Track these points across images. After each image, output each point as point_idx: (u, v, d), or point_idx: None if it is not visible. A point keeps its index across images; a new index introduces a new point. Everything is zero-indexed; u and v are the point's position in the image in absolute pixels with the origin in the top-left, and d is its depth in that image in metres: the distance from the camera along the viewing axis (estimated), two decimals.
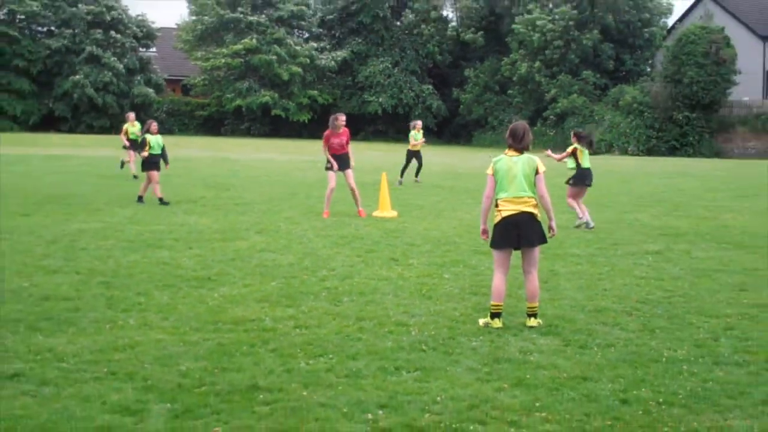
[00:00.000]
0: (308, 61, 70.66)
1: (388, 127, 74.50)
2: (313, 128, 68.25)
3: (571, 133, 18.26)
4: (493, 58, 72.31)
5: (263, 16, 71.09)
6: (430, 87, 74.82)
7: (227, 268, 11.92)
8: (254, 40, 68.77)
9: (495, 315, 8.87)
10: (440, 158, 40.74)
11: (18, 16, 67.73)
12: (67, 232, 14.98)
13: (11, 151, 37.04)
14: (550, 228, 9.13)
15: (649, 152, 60.56)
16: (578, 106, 64.78)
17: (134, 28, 71.27)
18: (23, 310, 9.16)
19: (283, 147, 53.48)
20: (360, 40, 74.77)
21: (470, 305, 9.85)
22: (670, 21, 75.21)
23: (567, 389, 6.85)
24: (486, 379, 7.13)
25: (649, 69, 71.22)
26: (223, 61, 69.01)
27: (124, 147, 27.66)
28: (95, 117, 67.78)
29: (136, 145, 24.08)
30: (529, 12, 67.43)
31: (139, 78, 69.78)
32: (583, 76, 66.38)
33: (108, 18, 68.30)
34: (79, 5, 67.76)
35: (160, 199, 19.60)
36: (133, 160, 26.19)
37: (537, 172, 8.88)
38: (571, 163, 17.38)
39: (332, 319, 9.04)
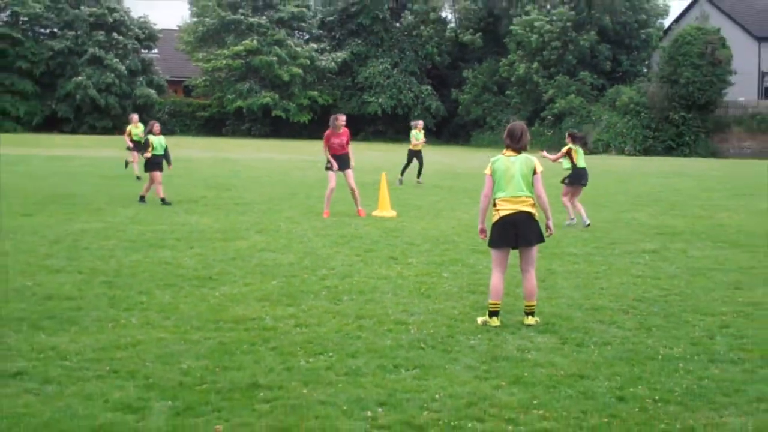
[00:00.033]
0: (308, 62, 70.66)
1: (387, 127, 74.51)
2: (314, 129, 68.21)
3: (566, 134, 18.30)
4: (492, 59, 72.33)
5: (264, 17, 71.07)
6: (429, 88, 74.83)
7: (228, 268, 11.92)
8: (255, 42, 68.77)
9: (493, 313, 8.87)
10: (439, 158, 40.71)
11: (21, 18, 67.76)
12: (70, 232, 14.99)
13: (15, 152, 37.04)
14: (548, 227, 9.13)
15: (646, 152, 60.56)
16: (576, 107, 64.78)
17: (136, 30, 71.24)
18: (26, 309, 9.16)
19: (284, 147, 53.48)
20: (360, 42, 74.78)
21: (468, 304, 9.86)
22: (667, 22, 75.22)
23: (564, 387, 6.86)
24: (484, 376, 7.13)
25: (645, 70, 71.26)
26: (224, 62, 69.01)
27: (128, 148, 27.65)
28: (98, 118, 67.75)
29: (140, 146, 24.08)
30: (527, 13, 67.45)
31: (141, 79, 69.76)
32: (580, 76, 66.38)
33: (110, 20, 68.27)
34: (82, 7, 67.74)
35: (162, 200, 19.60)
36: (137, 161, 26.17)
37: (534, 172, 8.88)
38: (566, 163, 17.42)
39: (332, 318, 9.04)
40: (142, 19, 73.27)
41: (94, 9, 67.66)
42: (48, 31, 70.02)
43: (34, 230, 15.08)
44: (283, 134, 71.00)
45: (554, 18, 66.00)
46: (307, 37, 77.09)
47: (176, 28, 77.45)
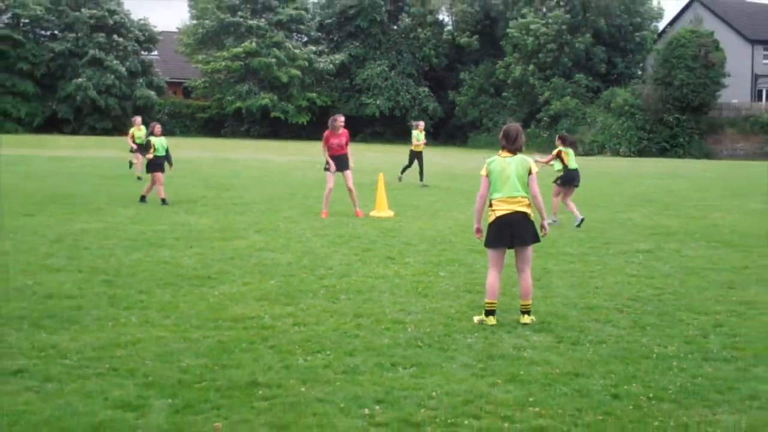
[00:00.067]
0: (307, 64, 70.74)
1: (385, 128, 74.62)
2: (312, 130, 68.29)
3: (556, 137, 18.36)
4: (488, 62, 72.44)
5: (263, 20, 71.13)
6: (427, 89, 74.94)
7: (227, 267, 11.91)
8: (254, 44, 68.82)
9: (489, 312, 8.87)
10: (436, 159, 40.70)
11: (22, 20, 67.72)
12: (71, 232, 14.97)
13: (16, 153, 37.02)
14: (542, 227, 9.13)
15: (641, 153, 60.63)
16: (571, 109, 64.87)
17: (136, 32, 71.25)
18: (27, 308, 9.15)
19: (282, 148, 53.47)
20: (357, 44, 74.86)
21: (465, 303, 9.85)
22: (661, 25, 75.44)
23: (560, 385, 6.86)
24: (480, 374, 7.13)
25: (640, 72, 71.37)
26: (223, 64, 69.06)
27: (132, 150, 27.60)
28: (98, 119, 67.77)
29: (142, 148, 24.08)
30: (523, 16, 67.54)
31: (141, 81, 69.77)
32: (575, 78, 66.47)
33: (110, 22, 68.27)
34: (83, 9, 67.75)
35: (162, 200, 19.58)
36: (140, 162, 26.13)
37: (530, 173, 8.89)
38: (558, 165, 17.48)
39: (330, 317, 9.04)
40: (142, 22, 73.30)
41: (95, 11, 67.68)
42: (49, 33, 70.02)
43: (34, 230, 15.06)
44: (281, 135, 71.05)
45: (550, 21, 66.10)
46: (305, 39, 77.18)
47: (176, 30, 77.50)
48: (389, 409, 6.27)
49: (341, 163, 18.08)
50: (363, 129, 72.00)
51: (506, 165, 8.85)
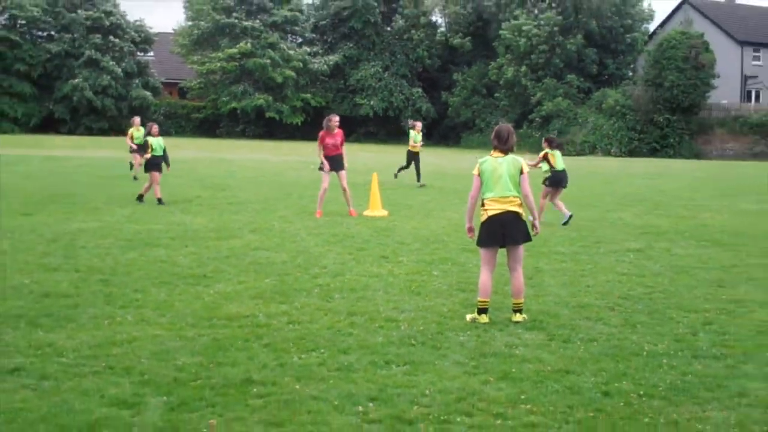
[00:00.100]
0: (301, 65, 70.75)
1: (379, 129, 74.70)
2: (307, 130, 68.39)
3: (543, 139, 18.40)
4: (481, 63, 72.52)
5: (257, 21, 71.14)
6: (420, 90, 75.01)
7: (222, 266, 11.90)
8: (249, 45, 68.82)
9: (482, 310, 8.88)
10: (430, 159, 40.68)
11: (19, 22, 67.72)
12: (67, 231, 14.95)
13: (13, 153, 36.97)
14: (534, 226, 9.14)
15: (631, 153, 60.76)
16: (563, 109, 64.96)
17: (132, 33, 71.25)
18: (24, 307, 9.13)
19: (277, 148, 53.45)
20: (351, 45, 74.91)
21: (458, 301, 9.86)
22: (652, 27, 75.67)
23: (551, 382, 6.86)
24: (473, 372, 7.13)
25: (631, 73, 71.53)
26: (218, 64, 69.05)
27: (131, 151, 27.52)
28: (94, 119, 67.79)
29: (141, 148, 24.05)
30: (516, 18, 67.62)
31: (137, 81, 69.79)
32: (567, 79, 66.56)
33: (107, 23, 68.26)
34: (79, 11, 67.71)
35: (159, 200, 19.56)
36: (138, 162, 26.06)
37: (521, 172, 8.89)
38: (545, 166, 17.54)
39: (324, 315, 9.03)
40: (138, 23, 73.32)
41: (91, 12, 67.67)
42: (45, 34, 70.09)
43: (32, 229, 15.04)
44: (276, 135, 71.06)
45: (542, 22, 66.18)
46: (300, 40, 77.25)
47: (171, 32, 77.49)
48: (383, 406, 6.27)
49: (336, 163, 18.04)
50: (357, 129, 72.03)
51: (498, 165, 8.85)
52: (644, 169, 41.26)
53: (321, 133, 18.07)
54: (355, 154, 40.49)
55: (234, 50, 68.58)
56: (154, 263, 12.02)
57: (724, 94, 65.10)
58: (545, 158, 17.51)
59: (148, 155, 19.96)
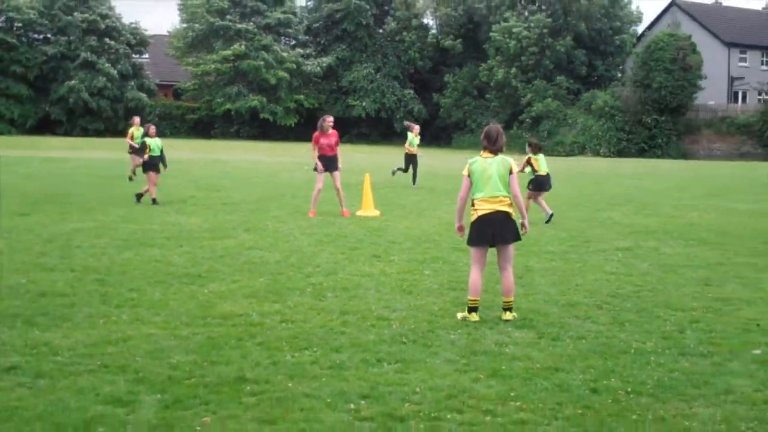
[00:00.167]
0: (295, 66, 70.70)
1: (371, 130, 74.73)
2: (300, 131, 68.37)
3: (526, 144, 18.43)
4: (472, 64, 72.58)
5: (251, 23, 71.09)
6: (412, 92, 75.05)
7: (216, 265, 11.89)
8: (243, 47, 68.76)
9: (472, 309, 8.88)
10: (421, 160, 40.68)
11: (16, 24, 67.60)
12: (63, 231, 14.91)
13: (10, 153, 36.87)
14: (523, 225, 9.14)
15: (620, 154, 60.88)
16: (552, 110, 65.05)
17: (127, 35, 71.16)
18: (20, 306, 9.11)
19: (271, 149, 53.40)
20: (344, 47, 74.89)
21: (449, 300, 9.86)
22: (640, 29, 75.80)
23: (540, 379, 6.87)
24: (463, 370, 7.13)
25: (619, 74, 71.68)
26: (212, 66, 68.97)
27: (130, 151, 27.41)
28: (90, 120, 67.69)
29: (139, 149, 23.99)
30: (506, 20, 67.69)
31: (132, 83, 69.67)
32: (557, 81, 66.66)
33: (102, 26, 68.15)
34: (75, 13, 67.58)
35: (153, 200, 19.53)
36: (136, 164, 25.95)
37: (511, 173, 8.89)
38: (529, 171, 17.63)
39: (317, 314, 9.03)
40: (133, 25, 73.20)
41: (87, 15, 67.52)
42: (42, 36, 69.97)
43: (28, 229, 15.00)
44: (270, 136, 71.00)
45: (532, 24, 66.25)
46: (293, 42, 77.20)
47: (166, 34, 77.44)
48: (374, 403, 6.27)
49: (331, 163, 18.00)
50: (349, 130, 72.01)
51: (488, 165, 8.85)
52: (633, 169, 41.31)
53: (315, 134, 18.03)
54: (347, 154, 40.45)
55: (228, 52, 68.51)
56: (149, 263, 12.00)
57: (711, 95, 65.28)
58: (529, 163, 17.60)
59: (146, 156, 19.93)
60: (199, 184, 25.52)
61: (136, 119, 28.40)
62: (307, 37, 76.90)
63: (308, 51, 74.34)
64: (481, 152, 9.01)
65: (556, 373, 7.05)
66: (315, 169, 18.02)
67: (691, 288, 10.80)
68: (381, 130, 75.03)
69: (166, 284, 10.51)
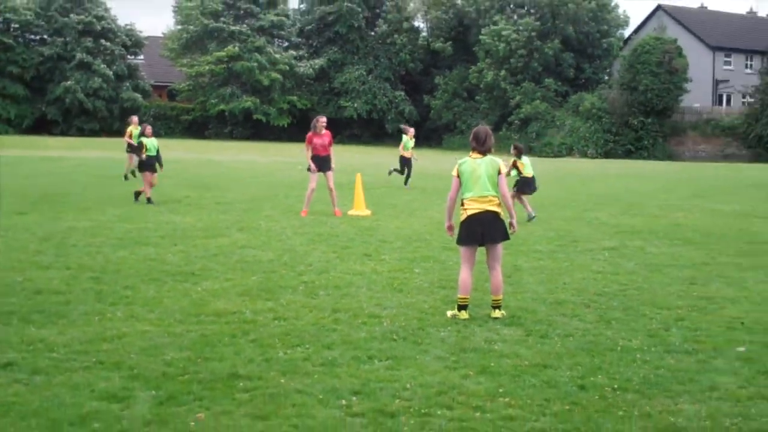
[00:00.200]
0: (288, 68, 70.67)
1: (363, 131, 74.76)
2: (293, 132, 68.30)
3: (511, 146, 18.44)
4: (462, 67, 72.65)
5: (245, 25, 71.02)
6: (403, 93, 75.09)
7: (210, 264, 11.87)
8: (236, 48, 68.69)
9: (462, 307, 8.89)
10: (416, 162, 40.70)
11: (12, 25, 67.47)
12: (59, 230, 14.88)
13: (6, 153, 36.73)
14: (511, 225, 9.15)
15: (607, 155, 61.00)
16: (541, 112, 65.17)
17: (123, 37, 71.05)
18: (16, 303, 9.09)
19: (264, 150, 53.36)
20: (336, 49, 74.88)
21: (439, 298, 9.86)
22: (627, 32, 75.94)
23: (528, 376, 6.87)
24: (453, 367, 7.14)
25: (606, 77, 71.87)
26: (206, 67, 68.88)
27: (129, 150, 27.32)
28: (85, 121, 67.58)
29: (136, 148, 23.93)
30: (495, 23, 67.79)
31: (127, 84, 69.56)
32: (545, 83, 66.78)
33: (98, 27, 68.04)
34: (71, 15, 67.45)
35: (148, 199, 19.49)
36: (133, 162, 25.87)
37: (499, 173, 8.90)
38: (514, 173, 17.67)
39: (309, 312, 9.02)
40: (128, 27, 73.12)
41: (83, 17, 67.39)
42: (38, 37, 69.87)
43: (25, 228, 14.96)
44: (263, 137, 70.93)
45: (520, 28, 66.37)
46: (286, 44, 77.13)
47: (161, 35, 77.30)
48: (365, 399, 6.27)
49: (324, 163, 17.95)
50: (341, 131, 71.98)
51: (477, 166, 8.86)
52: (619, 170, 41.38)
53: (309, 134, 17.98)
54: (339, 155, 40.28)
55: (222, 53, 68.43)
56: (143, 261, 11.98)
57: (696, 97, 65.46)
58: (515, 166, 17.65)
59: (144, 155, 19.89)
60: (193, 183, 25.48)
61: (135, 118, 28.37)
62: (299, 39, 76.85)
63: (301, 53, 74.31)
64: (470, 153, 9.01)
65: (544, 370, 7.05)
66: (308, 169, 17.99)
67: (676, 287, 10.82)
68: (372, 131, 75.06)
69: (160, 282, 10.49)
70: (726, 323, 8.82)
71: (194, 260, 12.13)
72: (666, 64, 60.07)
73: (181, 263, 11.86)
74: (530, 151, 58.87)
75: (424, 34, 78.28)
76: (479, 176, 8.81)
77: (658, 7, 75.77)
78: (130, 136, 27.12)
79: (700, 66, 66.80)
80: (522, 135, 63.81)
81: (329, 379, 6.72)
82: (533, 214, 17.48)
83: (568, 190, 26.68)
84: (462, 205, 8.96)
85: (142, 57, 76.24)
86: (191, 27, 71.02)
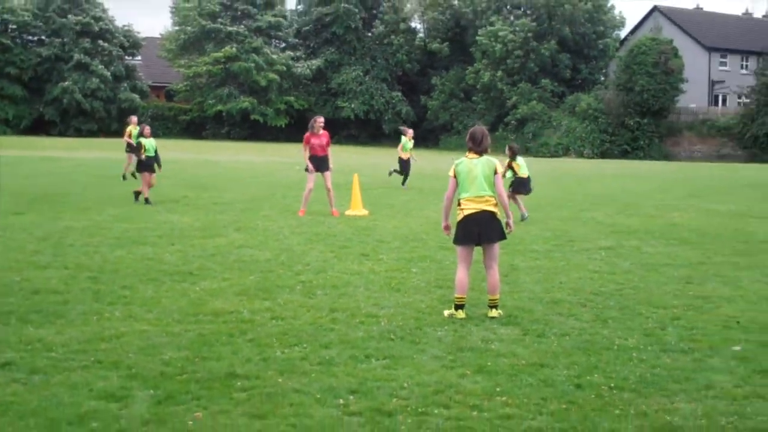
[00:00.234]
0: (285, 68, 70.64)
1: (360, 131, 74.74)
2: (290, 132, 68.31)
3: (506, 147, 18.43)
4: (458, 67, 72.66)
5: (242, 26, 71.00)
6: (400, 94, 75.07)
7: (207, 264, 11.87)
8: (234, 49, 68.68)
9: (458, 306, 8.89)
10: (416, 163, 40.68)
11: (10, 26, 67.42)
12: (57, 230, 14.86)
13: (4, 153, 36.70)
14: (507, 225, 9.15)
15: (603, 155, 61.01)
16: (537, 112, 65.18)
17: (121, 38, 71.04)
18: (15, 303, 9.08)
19: (262, 150, 53.34)
20: (333, 50, 74.87)
21: (436, 297, 9.86)
22: (623, 33, 75.94)
23: (525, 375, 6.88)
24: (450, 366, 7.14)
25: (603, 78, 71.88)
26: (204, 68, 68.86)
27: (128, 150, 27.27)
28: (83, 121, 67.55)
29: (135, 148, 23.91)
30: (492, 24, 67.79)
31: (125, 84, 69.54)
32: (541, 84, 66.79)
33: (96, 28, 68.01)
34: (69, 16, 67.42)
35: (146, 200, 19.48)
36: (131, 162, 25.82)
37: (495, 173, 8.91)
38: (510, 174, 17.68)
39: (306, 311, 9.02)
40: (126, 28, 73.10)
41: (81, 18, 67.36)
42: (36, 38, 69.86)
43: (23, 228, 14.94)
44: (261, 137, 70.91)
45: (517, 28, 66.38)
46: (283, 45, 77.12)
47: (159, 36, 77.28)
48: (363, 398, 6.27)
49: (322, 163, 17.93)
50: (338, 131, 71.94)
51: (473, 166, 8.86)
52: (615, 170, 41.39)
53: (307, 135, 17.96)
54: (336, 155, 40.30)
55: (219, 54, 68.41)
56: (141, 261, 11.98)
57: (692, 98, 65.51)
58: (510, 167, 17.66)
59: (143, 156, 19.87)
60: (191, 183, 25.46)
61: (134, 118, 28.36)
62: (296, 40, 76.84)
63: (298, 54, 74.28)
64: (467, 153, 9.02)
65: (541, 369, 7.06)
66: (306, 170, 17.98)
67: (672, 286, 10.83)
68: (370, 131, 75.05)
69: (158, 282, 10.49)
70: (722, 322, 8.83)
71: (192, 260, 12.13)
72: (662, 64, 60.10)
73: (178, 263, 11.86)
74: (527, 152, 59.05)
75: (421, 35, 78.26)
76: (476, 176, 8.82)
77: (654, 8, 75.81)
78: (130, 136, 27.10)
79: (696, 67, 66.84)
80: (518, 135, 63.85)
81: (327, 379, 6.72)
82: (526, 215, 17.48)
83: (564, 190, 26.70)
84: (459, 205, 8.96)
85: (139, 58, 76.23)
86: (189, 28, 71.00)
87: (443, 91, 72.44)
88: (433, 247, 13.77)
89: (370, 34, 76.77)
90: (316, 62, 73.10)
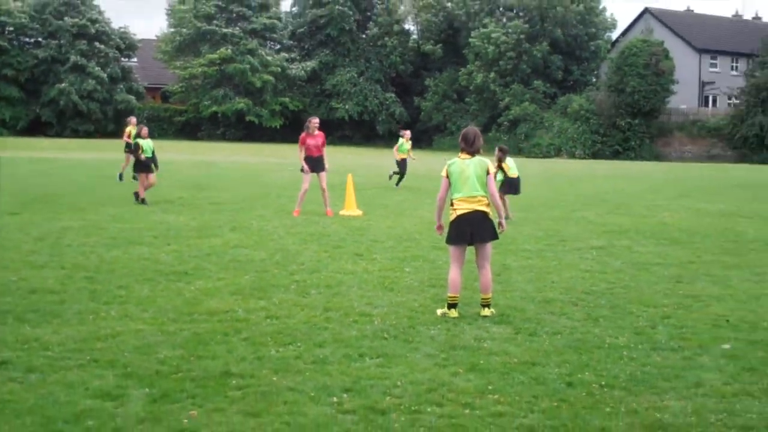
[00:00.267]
0: (279, 70, 70.62)
1: (354, 132, 74.74)
2: (285, 133, 68.31)
3: (496, 149, 18.42)
4: (451, 69, 72.70)
5: (237, 28, 70.97)
6: (393, 95, 75.08)
7: (203, 263, 11.86)
8: (229, 51, 68.64)
9: (451, 305, 8.90)
10: (413, 163, 40.66)
11: (7, 28, 67.27)
12: (54, 230, 14.83)
13: (1, 154, 36.61)
14: (500, 224, 9.17)
15: (595, 156, 61.09)
16: (530, 113, 65.24)
17: (117, 40, 70.92)
18: (11, 303, 9.06)
19: (257, 151, 53.28)
20: (328, 52, 74.86)
21: (429, 296, 9.87)
22: (614, 35, 76.03)
23: (517, 373, 6.89)
24: (443, 364, 7.14)
25: (594, 79, 71.94)
26: (199, 69, 68.80)
27: (127, 150, 27.21)
28: (80, 122, 67.45)
29: (133, 149, 23.87)
30: (485, 26, 67.84)
31: (121, 86, 69.44)
32: (534, 85, 66.84)
33: (92, 30, 67.91)
34: (65, 18, 67.30)
35: (142, 200, 19.43)
36: (128, 163, 25.75)
37: (488, 173, 8.92)
38: (500, 175, 17.69)
39: (301, 310, 9.02)
40: (122, 30, 72.96)
41: (77, 20, 67.28)
42: (33, 40, 69.70)
43: (19, 228, 14.92)
44: (256, 138, 70.86)
45: (509, 30, 66.44)
46: (278, 47, 77.08)
47: (155, 38, 77.16)
48: (356, 397, 6.27)
49: (317, 164, 17.91)
50: (333, 132, 71.80)
51: (465, 166, 8.88)
52: (607, 170, 41.43)
53: (302, 135, 17.95)
54: (330, 156, 40.27)
55: (215, 56, 68.35)
56: (137, 261, 11.96)
57: (683, 99, 65.60)
58: (500, 168, 17.68)
59: (141, 156, 19.84)
60: (186, 184, 25.42)
61: (133, 119, 28.33)
62: (291, 42, 76.81)
63: (293, 55, 74.25)
64: (459, 154, 9.03)
65: (533, 368, 7.07)
66: (302, 170, 17.96)
67: (662, 285, 10.85)
68: (364, 132, 75.05)
69: (153, 281, 10.48)
70: (711, 321, 8.85)
71: (187, 260, 12.12)
72: (653, 66, 60.19)
73: (174, 263, 11.85)
74: (519, 152, 59.10)
75: (415, 36, 78.27)
76: (468, 177, 8.83)
77: (645, 10, 75.89)
78: (129, 136, 27.06)
79: (687, 68, 66.93)
80: (511, 136, 63.90)
81: (321, 377, 6.72)
82: (511, 216, 17.39)
83: (556, 191, 26.72)
84: (451, 205, 8.97)
85: (135, 59, 76.16)
86: (184, 30, 70.92)
87: (436, 93, 72.49)
88: (426, 247, 13.78)
89: (364, 36, 76.80)
90: (310, 64, 73.10)
